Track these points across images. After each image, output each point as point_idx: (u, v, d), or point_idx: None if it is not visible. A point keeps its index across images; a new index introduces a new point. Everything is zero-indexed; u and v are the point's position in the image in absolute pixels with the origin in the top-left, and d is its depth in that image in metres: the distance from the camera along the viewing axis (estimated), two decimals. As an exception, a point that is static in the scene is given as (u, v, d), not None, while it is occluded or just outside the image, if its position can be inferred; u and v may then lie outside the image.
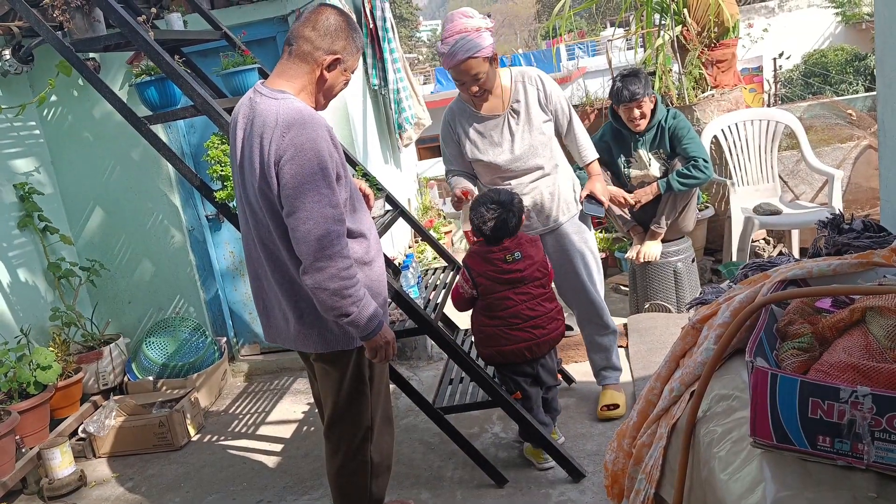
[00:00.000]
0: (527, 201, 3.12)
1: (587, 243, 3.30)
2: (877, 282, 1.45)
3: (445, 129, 3.23)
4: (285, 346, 2.38)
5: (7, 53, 4.02)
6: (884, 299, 1.26)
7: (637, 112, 3.73)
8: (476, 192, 3.08)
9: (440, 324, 3.87)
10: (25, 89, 4.34)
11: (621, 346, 3.91)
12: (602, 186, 3.30)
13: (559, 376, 3.36)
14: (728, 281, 1.94)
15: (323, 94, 2.20)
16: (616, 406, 3.29)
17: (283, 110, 2.04)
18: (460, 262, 3.65)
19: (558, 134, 3.24)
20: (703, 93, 4.91)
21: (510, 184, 3.14)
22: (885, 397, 1.07)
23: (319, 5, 2.19)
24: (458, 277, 2.96)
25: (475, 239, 2.97)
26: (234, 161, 2.21)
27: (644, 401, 1.78)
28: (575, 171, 3.44)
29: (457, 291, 2.94)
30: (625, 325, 4.03)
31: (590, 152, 3.29)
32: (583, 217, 3.29)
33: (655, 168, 3.89)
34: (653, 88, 3.78)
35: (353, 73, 2.25)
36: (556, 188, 3.19)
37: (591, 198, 3.28)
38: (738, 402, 1.41)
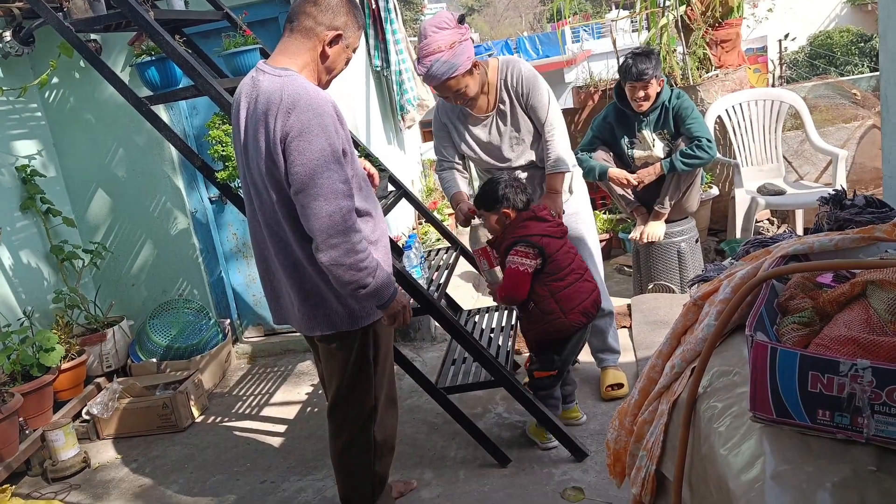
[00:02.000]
0: (525, 179, 3.12)
1: (585, 224, 3.28)
2: (878, 256, 1.44)
3: (437, 122, 3.20)
4: (294, 328, 2.38)
5: (8, 35, 4.00)
6: (885, 273, 1.25)
7: (642, 93, 3.69)
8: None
9: (443, 304, 3.89)
10: (26, 71, 4.33)
11: (624, 327, 3.93)
12: (553, 203, 3.03)
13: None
14: (730, 258, 1.93)
15: (325, 72, 2.19)
16: (620, 385, 3.30)
17: (288, 88, 2.02)
18: (463, 244, 3.65)
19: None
20: (707, 73, 4.88)
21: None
22: (884, 370, 1.07)
23: None
24: (514, 260, 2.78)
25: (502, 220, 2.87)
26: (238, 142, 2.20)
27: (646, 378, 1.78)
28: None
29: (517, 273, 2.76)
30: (628, 306, 4.02)
31: (559, 164, 3.03)
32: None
33: (659, 148, 3.86)
34: (662, 72, 3.74)
35: (354, 51, 2.23)
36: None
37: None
38: (739, 377, 1.41)
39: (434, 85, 2.88)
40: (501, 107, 3.03)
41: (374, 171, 2.58)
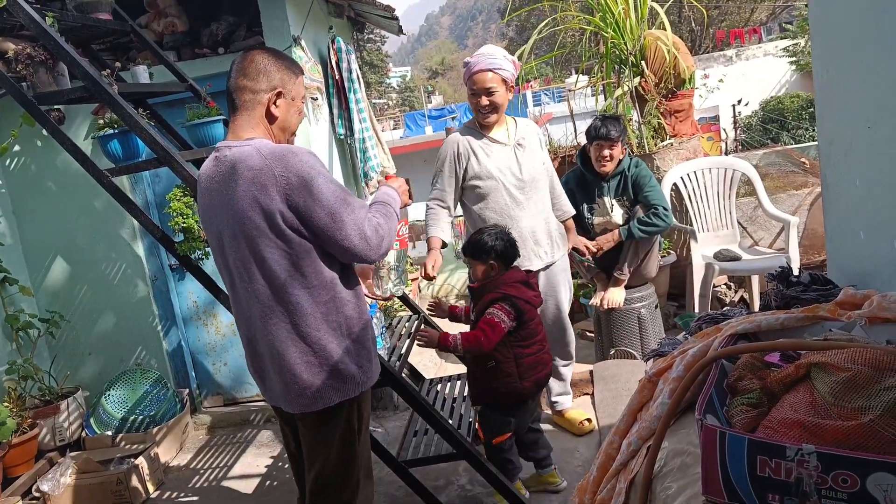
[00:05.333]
0: (528, 226, 3.27)
1: (569, 278, 3.57)
2: (822, 336, 1.49)
3: (451, 153, 3.30)
4: (282, 408, 2.22)
5: (-32, 104, 3.99)
6: (827, 355, 1.30)
7: (607, 152, 3.86)
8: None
9: (406, 372, 3.87)
10: (-13, 140, 4.30)
11: (586, 394, 3.95)
12: (579, 238, 3.67)
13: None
14: (684, 332, 1.97)
15: (282, 131, 2.16)
16: (589, 419, 3.60)
17: (265, 149, 1.99)
18: (424, 312, 3.66)
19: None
20: (662, 142, 5.03)
21: (516, 212, 3.27)
22: (829, 455, 1.10)
23: (243, 52, 2.14)
24: (498, 315, 2.80)
25: (488, 271, 2.92)
26: (212, 226, 2.12)
27: (604, 455, 1.79)
28: None
29: (498, 326, 2.77)
30: (590, 373, 4.04)
31: (569, 208, 3.59)
32: (586, 267, 3.92)
33: (618, 215, 3.96)
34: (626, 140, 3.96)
35: (302, 100, 2.20)
36: (551, 222, 3.41)
37: (576, 250, 3.67)
38: (692, 458, 1.43)
39: (472, 73, 3.18)
40: (521, 141, 3.32)
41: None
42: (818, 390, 1.27)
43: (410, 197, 2.48)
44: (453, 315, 3.17)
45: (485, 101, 3.20)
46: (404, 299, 3.82)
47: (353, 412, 2.21)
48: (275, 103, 2.10)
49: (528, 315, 2.85)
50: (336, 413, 2.16)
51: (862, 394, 1.21)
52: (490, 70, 3.14)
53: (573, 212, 3.62)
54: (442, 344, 2.85)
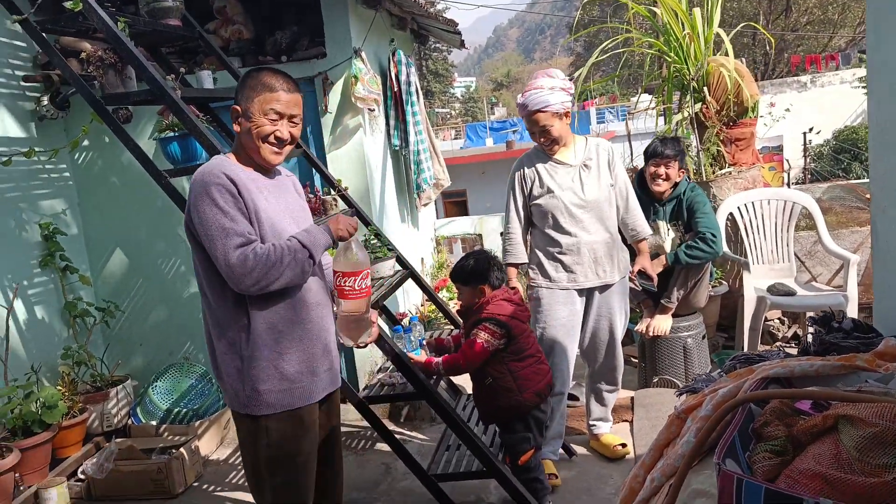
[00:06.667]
0: (587, 242, 3.31)
1: (626, 305, 3.57)
2: (857, 386, 1.45)
3: (517, 171, 3.44)
4: None
5: (45, 99, 4.18)
6: (857, 409, 1.26)
7: (663, 171, 3.84)
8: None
9: (444, 385, 3.89)
10: (60, 134, 4.49)
11: (626, 420, 3.90)
12: (650, 263, 3.62)
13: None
14: (719, 370, 1.94)
15: (247, 147, 2.22)
16: (624, 444, 3.63)
17: (205, 164, 2.21)
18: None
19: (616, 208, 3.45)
20: (720, 170, 4.94)
21: (576, 230, 3.30)
22: (847, 512, 1.07)
23: None
24: (480, 335, 2.84)
25: (477, 295, 2.96)
26: None
27: (627, 488, 1.77)
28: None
29: (481, 348, 2.83)
30: (632, 399, 3.98)
31: (644, 229, 3.54)
32: (633, 292, 3.70)
33: (669, 240, 3.91)
34: (685, 163, 3.93)
35: (265, 114, 2.17)
36: (615, 244, 3.39)
37: (643, 273, 3.59)
38: (713, 500, 1.41)
39: (524, 115, 3.30)
40: (588, 162, 3.36)
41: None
42: (843, 444, 1.24)
43: (353, 228, 2.29)
44: (441, 348, 3.20)
45: (542, 139, 3.32)
46: (444, 311, 3.83)
47: (259, 433, 2.19)
48: (237, 122, 2.23)
49: (515, 330, 2.87)
50: (238, 419, 2.24)
51: (889, 451, 1.17)
52: (540, 111, 3.23)
53: (649, 233, 3.58)
54: (425, 369, 2.92)
